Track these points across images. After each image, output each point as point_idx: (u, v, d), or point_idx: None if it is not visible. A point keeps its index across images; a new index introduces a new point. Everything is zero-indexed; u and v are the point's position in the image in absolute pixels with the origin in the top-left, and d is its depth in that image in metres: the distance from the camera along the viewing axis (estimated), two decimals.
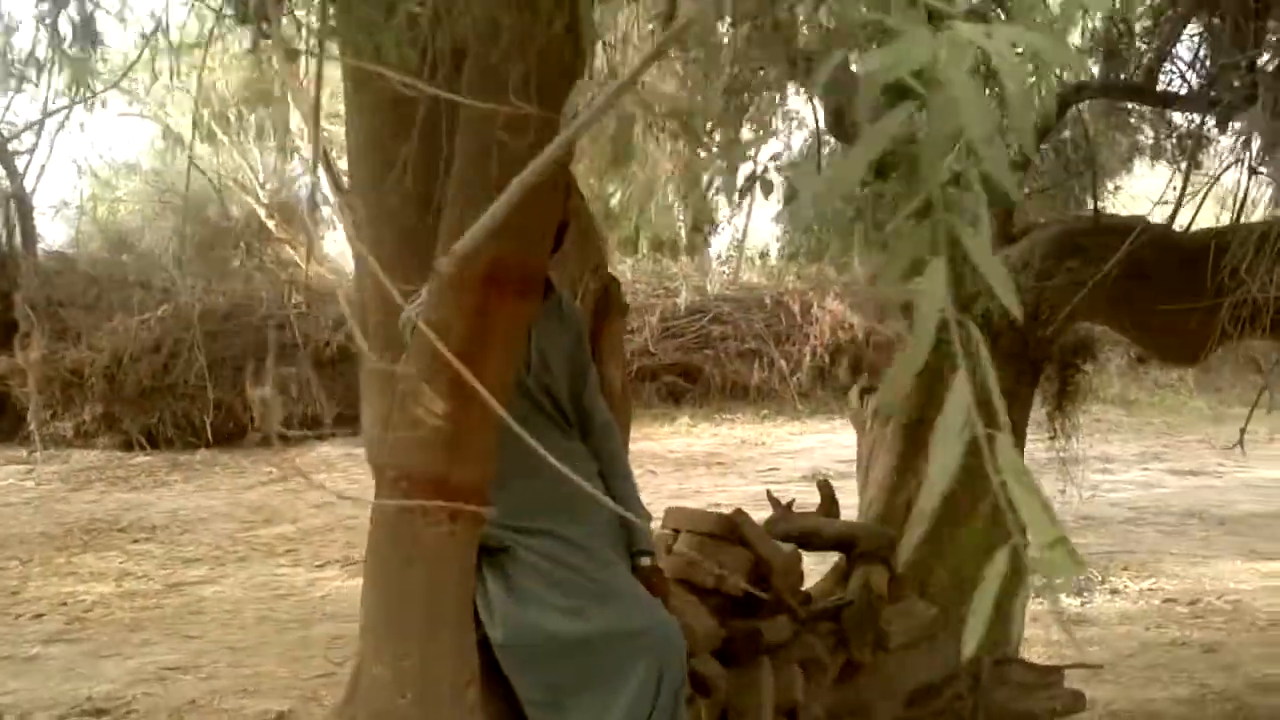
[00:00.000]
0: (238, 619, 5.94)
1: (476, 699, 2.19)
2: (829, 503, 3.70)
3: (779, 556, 3.26)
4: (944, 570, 3.63)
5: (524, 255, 1.96)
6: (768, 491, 3.72)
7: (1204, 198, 5.01)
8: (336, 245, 21.31)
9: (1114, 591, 6.26)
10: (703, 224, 19.13)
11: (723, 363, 14.61)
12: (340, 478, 10.76)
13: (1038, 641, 4.59)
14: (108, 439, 12.44)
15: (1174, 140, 5.64)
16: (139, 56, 3.49)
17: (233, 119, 18.94)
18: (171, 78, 3.38)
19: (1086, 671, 4.10)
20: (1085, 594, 6.08)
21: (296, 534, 8.32)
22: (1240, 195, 4.99)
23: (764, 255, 19.95)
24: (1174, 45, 5.09)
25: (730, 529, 3.20)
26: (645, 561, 2.59)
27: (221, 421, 12.81)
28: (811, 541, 3.55)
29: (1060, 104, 4.81)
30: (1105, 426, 11.48)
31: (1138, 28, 5.11)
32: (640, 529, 2.63)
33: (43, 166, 18.72)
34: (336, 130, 20.30)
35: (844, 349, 4.18)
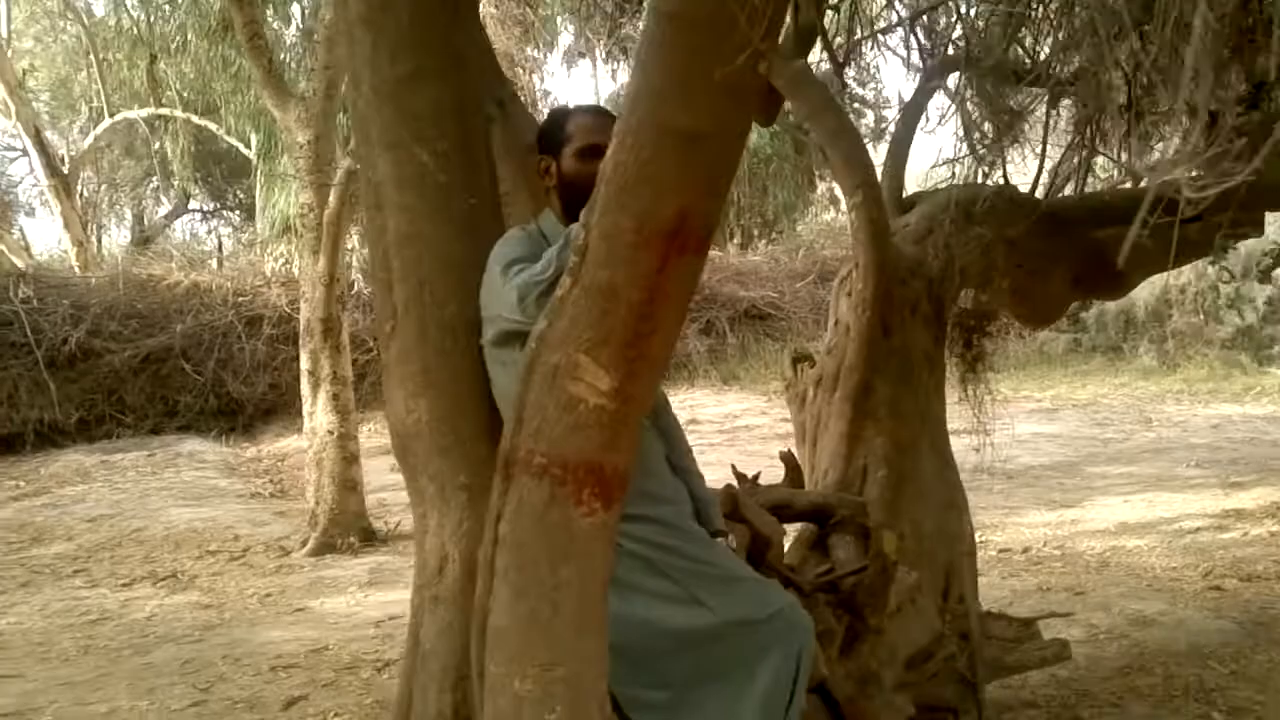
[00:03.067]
0: (56, 651, 5.21)
1: (610, 710, 1.97)
2: (794, 473, 3.65)
3: (775, 531, 3.17)
4: (904, 531, 3.64)
5: (709, 206, 1.75)
6: (733, 466, 3.61)
7: (1055, 172, 5.29)
8: (41, 232, 19.36)
9: None
10: None
11: None
12: (103, 488, 9.74)
13: None
14: None
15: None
16: None
17: None
18: None
19: None
20: None
21: (79, 551, 7.45)
22: (1080, 169, 5.33)
23: None
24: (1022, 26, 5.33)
25: (730, 505, 3.07)
26: (720, 543, 2.43)
27: None
28: (783, 513, 3.47)
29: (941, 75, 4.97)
30: None
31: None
32: (713, 508, 2.47)
33: None
34: (38, 107, 18.33)
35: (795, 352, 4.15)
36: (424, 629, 2.33)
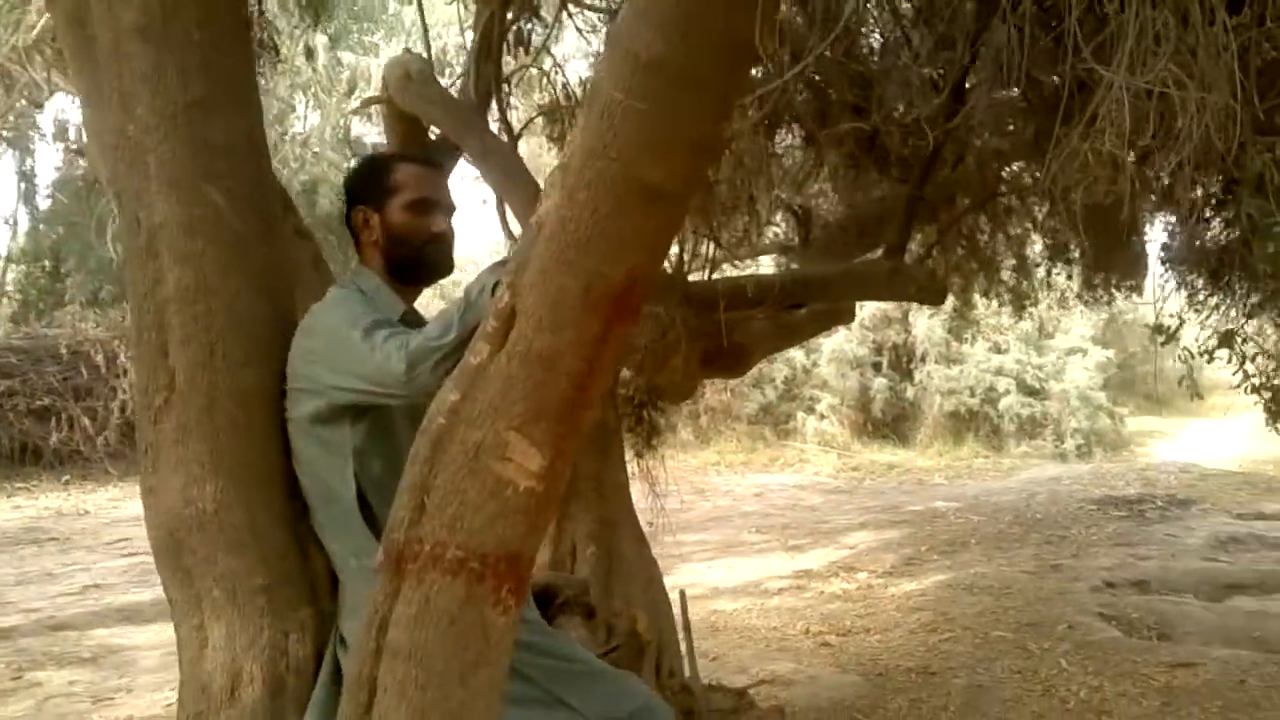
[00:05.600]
0: None
1: None
2: None
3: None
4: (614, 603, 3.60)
5: (654, 269, 1.62)
6: None
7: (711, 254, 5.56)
8: None
9: None
10: None
11: (10, 423, 12.50)
12: None
13: None
14: None
15: None
16: None
17: None
18: None
19: None
20: None
21: None
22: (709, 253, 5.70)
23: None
24: None
25: None
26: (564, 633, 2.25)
27: None
28: None
29: None
30: None
31: None
32: (531, 597, 2.27)
33: None
34: None
35: None
36: None
